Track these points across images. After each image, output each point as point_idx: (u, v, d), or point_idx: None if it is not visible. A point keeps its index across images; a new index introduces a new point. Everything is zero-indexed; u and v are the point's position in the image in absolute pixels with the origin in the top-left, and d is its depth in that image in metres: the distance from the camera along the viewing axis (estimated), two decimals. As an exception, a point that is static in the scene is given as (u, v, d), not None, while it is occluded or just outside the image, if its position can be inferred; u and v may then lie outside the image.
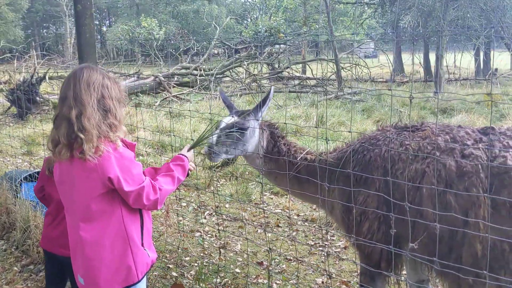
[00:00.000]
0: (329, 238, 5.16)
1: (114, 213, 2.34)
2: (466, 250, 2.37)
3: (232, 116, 3.27)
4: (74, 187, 2.30)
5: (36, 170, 5.81)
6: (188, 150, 2.78)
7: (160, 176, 2.50)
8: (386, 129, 2.94)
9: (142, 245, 2.45)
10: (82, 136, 2.19)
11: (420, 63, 24.19)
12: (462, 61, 24.11)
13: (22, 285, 4.21)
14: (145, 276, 2.50)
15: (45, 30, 58.93)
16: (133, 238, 2.39)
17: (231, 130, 3.16)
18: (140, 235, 2.44)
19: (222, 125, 3.23)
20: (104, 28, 53.18)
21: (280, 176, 3.27)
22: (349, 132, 2.69)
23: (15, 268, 4.48)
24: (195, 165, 2.89)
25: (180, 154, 2.68)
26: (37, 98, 13.32)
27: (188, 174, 2.73)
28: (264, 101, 3.29)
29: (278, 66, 20.14)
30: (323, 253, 4.68)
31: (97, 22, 54.23)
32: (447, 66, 20.21)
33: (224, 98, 3.60)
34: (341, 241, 5.04)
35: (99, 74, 2.33)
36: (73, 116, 2.21)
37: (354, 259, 2.89)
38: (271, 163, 3.30)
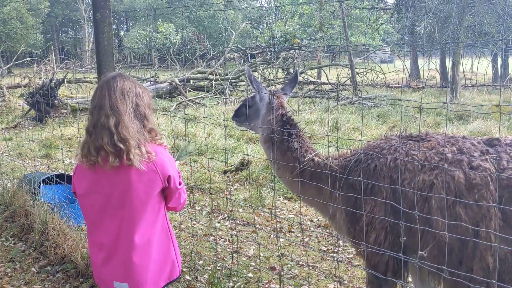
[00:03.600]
0: (341, 244, 5.18)
1: (160, 209, 2.45)
2: (477, 263, 2.36)
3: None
4: (126, 192, 2.31)
5: (54, 173, 5.94)
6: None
7: None
8: (391, 138, 2.95)
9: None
10: (122, 146, 2.23)
11: (436, 68, 23.99)
12: (479, 67, 23.86)
13: (39, 285, 4.31)
14: None
15: (64, 35, 59.85)
16: (172, 231, 2.54)
17: (245, 105, 3.60)
18: (172, 229, 2.59)
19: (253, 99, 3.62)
20: (122, 33, 53.82)
21: (283, 169, 3.29)
22: (360, 140, 2.71)
23: (33, 269, 4.58)
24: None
25: None
26: (56, 102, 13.56)
27: None
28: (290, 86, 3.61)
29: (293, 71, 20.17)
30: (335, 259, 4.70)
31: (115, 27, 54.91)
32: (463, 72, 20.02)
33: (250, 76, 3.64)
34: (353, 247, 5.04)
35: (131, 83, 2.38)
36: (112, 125, 2.24)
37: (364, 266, 2.91)
38: (277, 152, 3.27)
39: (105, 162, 2.26)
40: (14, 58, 22.82)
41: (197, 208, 6.40)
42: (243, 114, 3.54)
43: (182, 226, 5.67)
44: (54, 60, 19.06)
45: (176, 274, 2.54)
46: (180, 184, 2.46)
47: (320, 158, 3.20)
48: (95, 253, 2.47)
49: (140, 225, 2.36)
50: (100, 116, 2.27)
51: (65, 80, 15.75)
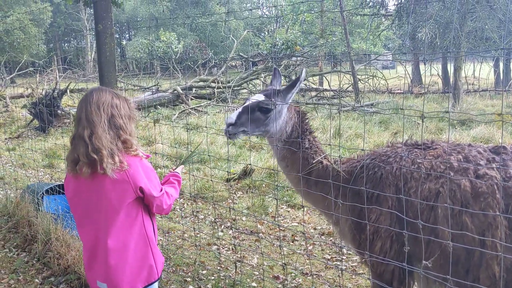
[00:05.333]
0: (345, 252, 5.15)
1: (137, 217, 2.56)
2: (483, 272, 2.35)
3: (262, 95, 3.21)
4: (101, 199, 2.47)
5: (57, 183, 5.95)
6: (178, 167, 3.12)
7: (165, 186, 2.75)
8: (397, 146, 2.93)
9: (156, 245, 2.70)
10: (95, 156, 2.37)
11: (438, 74, 24.00)
12: (481, 71, 23.86)
13: (43, 297, 4.30)
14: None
15: (66, 44, 60.15)
16: (151, 239, 2.63)
17: (254, 109, 3.12)
18: (153, 236, 2.67)
19: (248, 102, 3.20)
20: (124, 42, 54.04)
21: (291, 167, 3.21)
22: (362, 150, 2.70)
23: (36, 280, 4.57)
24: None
25: (175, 171, 2.98)
26: (58, 111, 13.61)
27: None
28: (294, 83, 3.19)
29: (295, 78, 20.18)
30: (339, 267, 4.67)
31: (117, 36, 55.11)
32: (465, 77, 20.01)
33: (274, 76, 3.48)
34: (357, 256, 5.01)
35: (108, 95, 2.52)
36: (87, 136, 2.39)
37: (369, 275, 2.89)
38: (288, 150, 3.18)
39: (81, 171, 2.42)
40: (17, 68, 22.96)
41: (200, 217, 6.39)
42: (257, 119, 3.14)
43: (185, 235, 5.66)
44: (57, 70, 19.14)
45: (154, 277, 2.66)
46: (161, 190, 2.59)
47: (328, 161, 3.15)
48: (84, 254, 2.67)
49: (114, 230, 2.50)
50: (78, 128, 2.46)
51: (68, 89, 15.81)
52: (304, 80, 3.26)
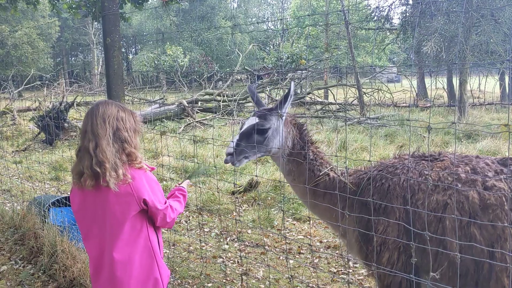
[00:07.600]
0: (351, 265, 5.12)
1: (142, 229, 2.56)
2: (493, 285, 2.34)
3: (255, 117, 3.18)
4: (105, 212, 2.48)
5: (64, 196, 5.97)
6: (184, 181, 3.14)
7: (170, 200, 2.76)
8: (404, 158, 2.93)
9: (162, 258, 2.69)
10: (98, 169, 2.38)
11: (443, 87, 24.01)
12: (486, 85, 23.86)
13: (48, 309, 4.29)
14: None
15: (73, 58, 60.81)
16: (157, 251, 2.62)
17: (251, 133, 3.11)
18: (158, 249, 2.66)
19: (244, 127, 3.18)
20: (130, 56, 54.51)
21: (297, 180, 3.19)
22: (369, 161, 2.70)
23: (42, 292, 4.57)
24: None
25: (181, 186, 2.97)
26: (65, 124, 13.70)
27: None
28: (285, 98, 3.17)
29: (300, 92, 20.28)
30: (345, 280, 4.64)
31: (124, 50, 55.57)
32: (471, 91, 20.00)
33: (252, 94, 3.51)
34: (364, 268, 4.98)
35: (113, 108, 2.53)
36: (91, 149, 2.41)
37: (376, 287, 2.87)
38: (293, 164, 3.18)
39: (85, 183, 2.44)
40: (25, 82, 23.17)
41: (205, 230, 6.38)
42: (256, 142, 3.14)
43: (191, 248, 5.64)
44: (64, 83, 19.32)
45: None
46: (165, 203, 2.60)
47: (335, 173, 3.15)
48: (90, 266, 2.66)
49: (119, 242, 2.50)
50: (84, 140, 2.47)
51: (75, 103, 15.94)
52: (295, 94, 3.23)
